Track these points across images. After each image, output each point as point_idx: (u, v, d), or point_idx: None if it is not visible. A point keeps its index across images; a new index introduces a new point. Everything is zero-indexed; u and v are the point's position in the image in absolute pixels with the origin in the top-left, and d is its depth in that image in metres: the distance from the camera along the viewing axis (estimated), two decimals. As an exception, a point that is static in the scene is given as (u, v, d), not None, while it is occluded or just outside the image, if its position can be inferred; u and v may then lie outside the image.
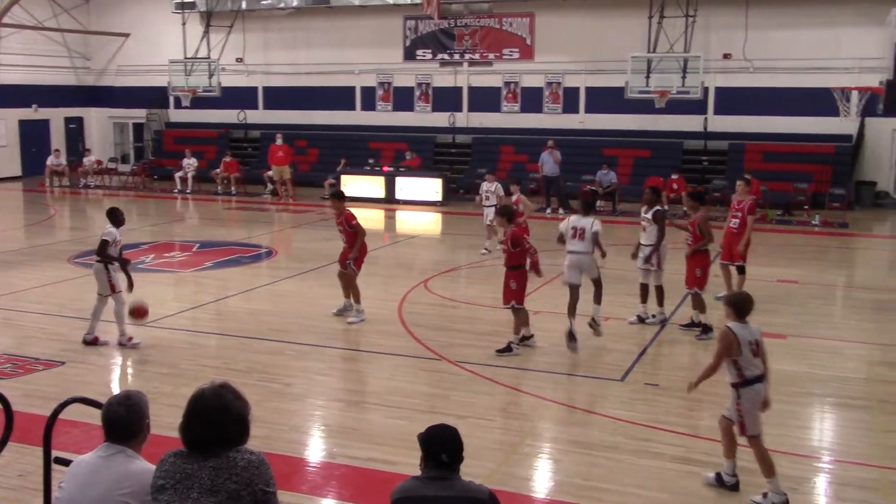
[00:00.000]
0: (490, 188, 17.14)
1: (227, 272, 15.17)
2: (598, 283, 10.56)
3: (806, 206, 22.12)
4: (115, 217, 10.54)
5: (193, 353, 10.38)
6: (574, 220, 10.51)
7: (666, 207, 17.50)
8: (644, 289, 11.74)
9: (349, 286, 11.80)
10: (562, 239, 10.54)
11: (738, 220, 12.66)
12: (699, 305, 11.20)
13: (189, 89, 27.45)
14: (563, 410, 8.53)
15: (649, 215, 11.58)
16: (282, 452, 7.28)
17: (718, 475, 6.77)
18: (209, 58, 27.45)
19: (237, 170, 27.37)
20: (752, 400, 6.44)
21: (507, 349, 10.21)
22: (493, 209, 16.11)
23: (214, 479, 3.46)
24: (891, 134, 24.65)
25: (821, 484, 7.09)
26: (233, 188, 27.03)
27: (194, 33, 28.13)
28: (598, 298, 10.54)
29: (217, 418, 3.56)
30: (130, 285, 10.51)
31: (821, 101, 22.41)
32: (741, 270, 12.69)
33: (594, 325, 10.61)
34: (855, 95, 21.62)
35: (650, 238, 11.55)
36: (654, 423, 8.11)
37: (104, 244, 10.33)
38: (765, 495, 6.48)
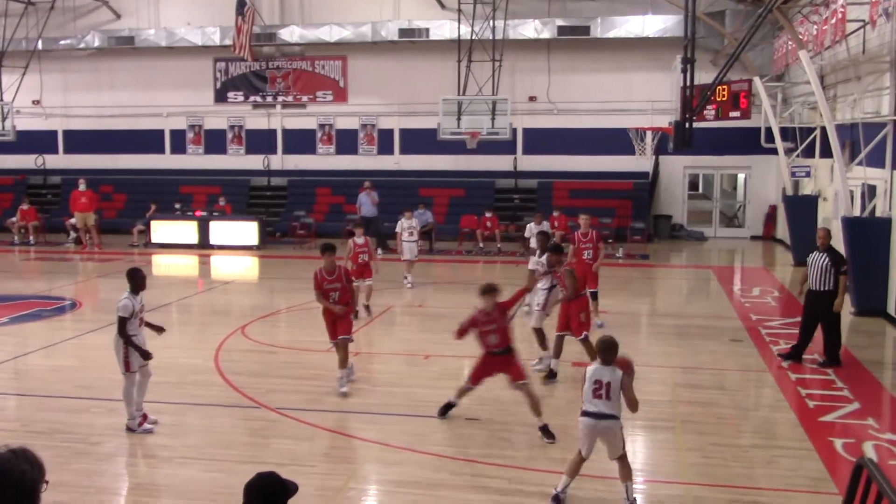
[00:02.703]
0: (411, 224, 17.96)
1: (25, 327, 14.18)
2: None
3: (611, 240, 23.30)
4: (135, 280, 8.90)
5: (-13, 416, 9.58)
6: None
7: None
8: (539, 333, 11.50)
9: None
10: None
11: (590, 252, 13.70)
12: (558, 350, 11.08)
13: (-21, 133, 25.64)
14: (386, 451, 8.48)
15: (543, 259, 11.88)
16: (89, 517, 6.81)
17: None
18: (2, 100, 25.80)
19: (35, 218, 25.78)
20: (580, 428, 7.10)
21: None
22: (415, 244, 17.97)
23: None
24: (682, 170, 26.61)
25: (633, 504, 7.38)
26: (31, 237, 25.40)
27: (-16, 74, 26.35)
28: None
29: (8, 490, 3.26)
30: (160, 329, 9.37)
31: (619, 141, 23.90)
32: (595, 297, 13.63)
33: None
34: (648, 135, 23.20)
35: (546, 283, 11.67)
36: (477, 457, 8.21)
37: (122, 322, 8.73)
38: None
